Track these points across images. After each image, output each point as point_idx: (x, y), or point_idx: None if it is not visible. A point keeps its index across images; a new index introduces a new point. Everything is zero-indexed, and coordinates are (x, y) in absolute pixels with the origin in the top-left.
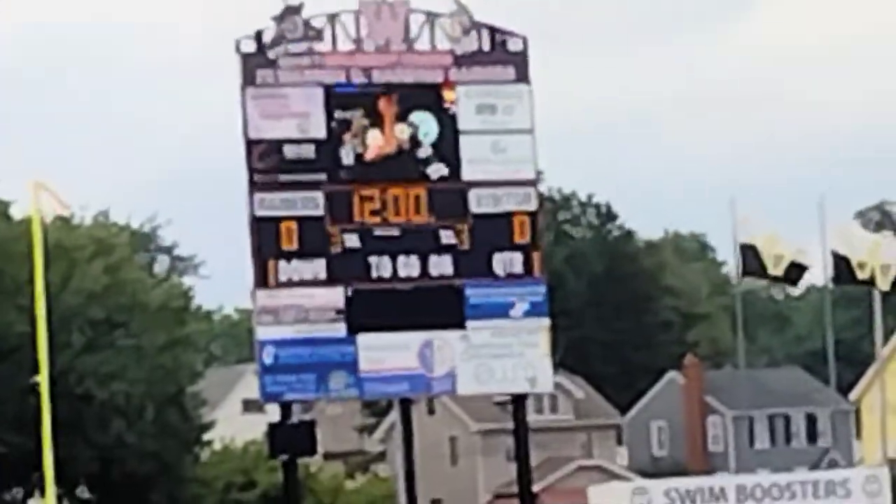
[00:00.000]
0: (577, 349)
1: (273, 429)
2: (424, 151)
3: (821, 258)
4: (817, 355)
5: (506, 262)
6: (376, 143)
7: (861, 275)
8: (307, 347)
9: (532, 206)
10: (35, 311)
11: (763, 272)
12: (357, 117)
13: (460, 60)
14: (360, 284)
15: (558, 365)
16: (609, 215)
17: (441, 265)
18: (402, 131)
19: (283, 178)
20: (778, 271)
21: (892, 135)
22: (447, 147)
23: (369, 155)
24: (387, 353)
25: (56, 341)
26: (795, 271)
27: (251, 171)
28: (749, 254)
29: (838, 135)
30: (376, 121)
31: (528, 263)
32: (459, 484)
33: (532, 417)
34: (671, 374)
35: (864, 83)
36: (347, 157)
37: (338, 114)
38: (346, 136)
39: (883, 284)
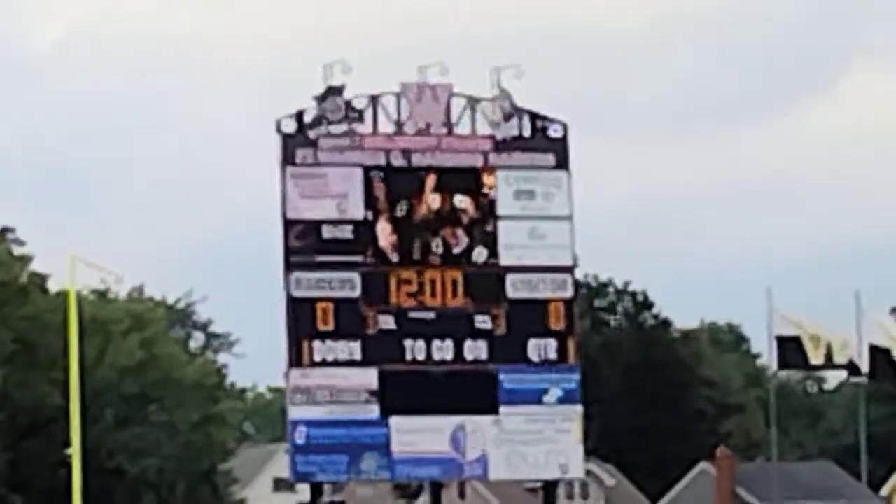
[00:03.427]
0: (609, 437)
1: None
2: (463, 235)
3: (857, 352)
4: (850, 450)
5: (541, 348)
6: (414, 225)
7: None
8: (340, 429)
9: (568, 293)
10: (69, 385)
11: (804, 364)
12: (396, 199)
13: (500, 145)
14: (394, 367)
15: (590, 452)
16: (645, 303)
17: (476, 350)
18: (441, 215)
19: (320, 258)
20: (834, 360)
21: None
22: (486, 232)
23: (408, 238)
24: (419, 436)
25: (89, 415)
26: (852, 367)
27: (288, 250)
28: (787, 346)
29: (875, 230)
30: (416, 203)
31: (562, 350)
32: None
33: None
34: (703, 465)
35: None
36: (385, 240)
37: (376, 195)
38: (385, 218)
39: None
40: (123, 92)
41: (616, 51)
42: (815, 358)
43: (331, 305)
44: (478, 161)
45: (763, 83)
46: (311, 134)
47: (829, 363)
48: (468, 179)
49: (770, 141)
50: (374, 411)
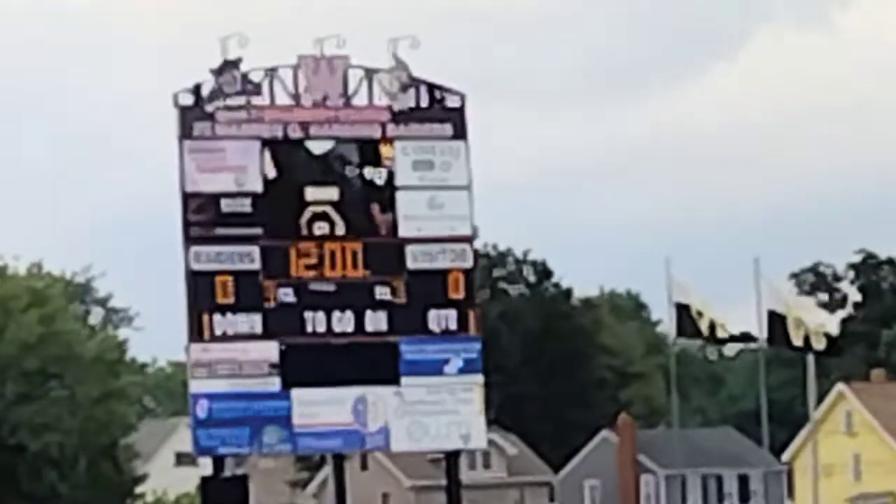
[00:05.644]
0: (511, 406)
1: (206, 483)
2: (361, 206)
3: (755, 318)
4: (750, 416)
5: (441, 318)
6: (312, 197)
7: (795, 337)
8: (241, 402)
9: (468, 262)
10: None
11: (698, 333)
12: (294, 171)
13: (398, 116)
14: (295, 339)
15: (492, 422)
16: (545, 272)
17: (376, 321)
18: (339, 185)
19: (219, 231)
20: (719, 333)
21: (828, 199)
22: (383, 203)
23: (305, 210)
24: (321, 408)
25: None
26: (742, 335)
27: (187, 224)
28: (685, 314)
29: (775, 197)
30: (313, 174)
31: (463, 320)
32: None
33: (465, 474)
34: (605, 433)
35: (801, 150)
36: (283, 212)
37: (275, 168)
38: (283, 191)
39: (818, 344)
40: (19, 65)
41: (515, 20)
42: (705, 329)
43: (230, 279)
44: (375, 132)
45: (664, 51)
46: (209, 107)
47: (714, 337)
48: (366, 151)
49: (672, 109)
50: (275, 384)
